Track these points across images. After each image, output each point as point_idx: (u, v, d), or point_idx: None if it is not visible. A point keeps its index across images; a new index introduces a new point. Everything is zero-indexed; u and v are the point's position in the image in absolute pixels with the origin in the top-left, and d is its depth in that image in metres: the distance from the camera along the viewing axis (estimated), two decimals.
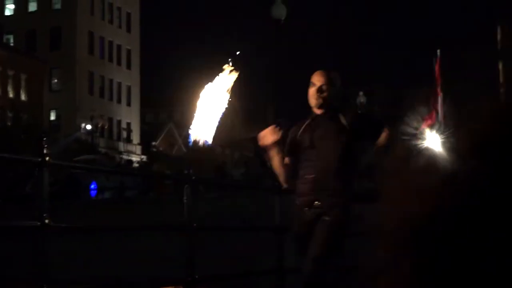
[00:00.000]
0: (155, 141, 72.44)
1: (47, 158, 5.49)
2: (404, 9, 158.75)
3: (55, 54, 65.04)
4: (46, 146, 5.52)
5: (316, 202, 5.40)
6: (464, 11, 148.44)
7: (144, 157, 64.15)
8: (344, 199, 5.37)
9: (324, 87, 5.47)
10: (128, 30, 74.17)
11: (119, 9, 72.74)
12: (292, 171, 5.61)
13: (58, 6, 67.66)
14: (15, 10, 69.10)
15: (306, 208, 5.44)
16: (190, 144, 5.57)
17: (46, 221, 5.43)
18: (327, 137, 5.42)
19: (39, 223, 5.46)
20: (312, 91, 5.52)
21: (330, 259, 5.36)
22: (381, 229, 1.03)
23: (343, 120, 5.44)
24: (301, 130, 5.59)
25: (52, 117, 66.32)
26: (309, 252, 5.35)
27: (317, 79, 5.51)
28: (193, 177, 7.47)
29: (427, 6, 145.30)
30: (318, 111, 5.53)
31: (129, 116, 73.63)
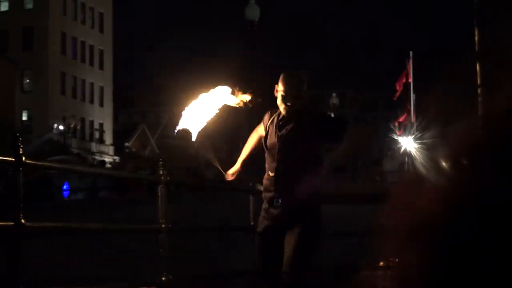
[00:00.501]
0: (128, 142, 72.13)
1: (22, 158, 5.46)
2: (378, 11, 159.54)
3: (27, 55, 64.49)
4: (21, 146, 5.47)
5: (275, 201, 5.45)
6: (440, 13, 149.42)
7: (116, 158, 63.86)
8: (311, 201, 5.39)
9: (289, 89, 5.47)
10: (101, 30, 73.79)
11: (91, 9, 72.32)
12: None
13: (30, 6, 67.11)
14: None
15: (270, 207, 5.49)
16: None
17: (22, 221, 5.40)
18: (291, 137, 5.44)
19: (13, 223, 5.43)
20: (277, 93, 5.53)
21: (306, 263, 5.39)
22: (387, 227, 1.07)
23: (307, 121, 5.44)
24: (268, 124, 5.63)
25: (24, 118, 65.77)
26: (285, 256, 5.37)
27: (282, 81, 5.51)
28: (168, 178, 7.45)
29: (402, 8, 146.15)
30: (283, 111, 5.54)
31: (102, 116, 73.24)
